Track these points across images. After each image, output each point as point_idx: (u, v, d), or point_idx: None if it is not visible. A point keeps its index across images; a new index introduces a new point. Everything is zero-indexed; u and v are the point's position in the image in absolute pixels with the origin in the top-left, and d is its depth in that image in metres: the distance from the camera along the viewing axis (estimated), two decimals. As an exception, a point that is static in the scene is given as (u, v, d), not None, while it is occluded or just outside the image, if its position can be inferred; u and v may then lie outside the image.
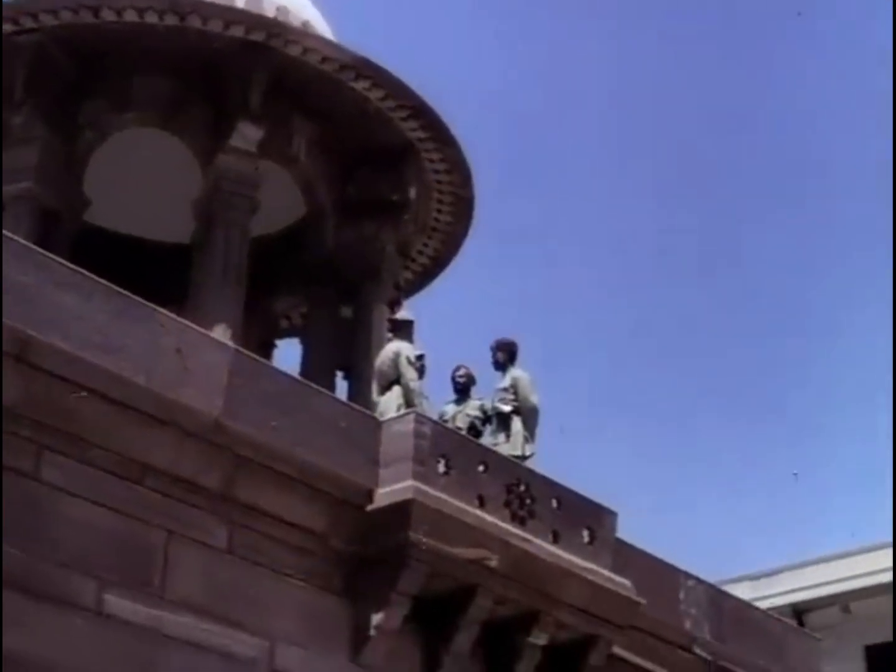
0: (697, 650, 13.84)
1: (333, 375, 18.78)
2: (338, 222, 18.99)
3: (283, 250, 19.61)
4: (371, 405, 13.75)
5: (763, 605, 17.61)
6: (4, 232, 9.58)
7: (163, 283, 17.39)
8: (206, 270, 17.05)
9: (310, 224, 19.23)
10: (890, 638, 40.87)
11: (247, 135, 17.26)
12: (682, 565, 14.18)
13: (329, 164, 18.89)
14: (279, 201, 18.72)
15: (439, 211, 19.63)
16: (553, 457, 14.91)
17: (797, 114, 46.59)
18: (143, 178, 18.80)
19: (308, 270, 19.00)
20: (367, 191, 18.82)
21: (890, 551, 41.47)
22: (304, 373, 17.61)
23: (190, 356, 10.29)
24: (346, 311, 18.97)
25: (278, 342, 21.31)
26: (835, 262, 46.54)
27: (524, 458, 13.55)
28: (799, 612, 40.94)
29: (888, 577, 40.65)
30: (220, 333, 14.65)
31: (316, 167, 18.74)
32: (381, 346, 15.55)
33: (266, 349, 19.99)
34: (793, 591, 42.25)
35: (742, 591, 25.82)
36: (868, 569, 41.56)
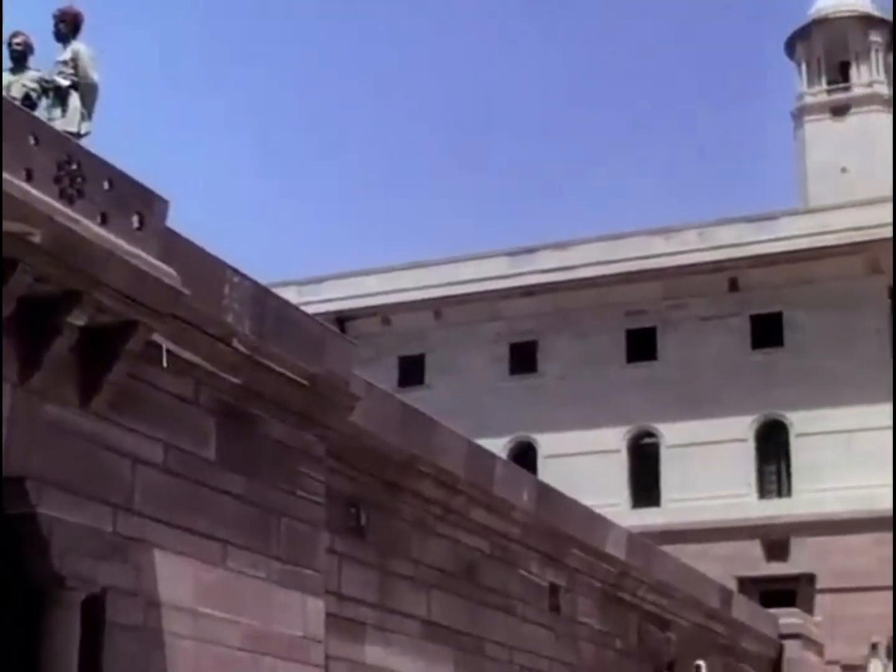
0: (236, 344, 14.07)
1: None
2: None
3: None
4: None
5: (309, 310, 18.00)
6: None
7: None
8: None
9: None
10: (422, 351, 43.21)
11: None
12: (235, 263, 14.27)
13: None
14: None
15: None
16: (116, 139, 14.59)
17: None
18: None
19: None
20: None
21: (430, 269, 43.44)
22: None
23: None
24: None
25: None
26: None
27: (79, 135, 13.20)
28: (342, 319, 42.63)
29: (428, 293, 42.78)
30: None
31: None
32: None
33: None
34: (337, 299, 43.92)
35: (290, 296, 26.45)
36: (409, 284, 43.52)
